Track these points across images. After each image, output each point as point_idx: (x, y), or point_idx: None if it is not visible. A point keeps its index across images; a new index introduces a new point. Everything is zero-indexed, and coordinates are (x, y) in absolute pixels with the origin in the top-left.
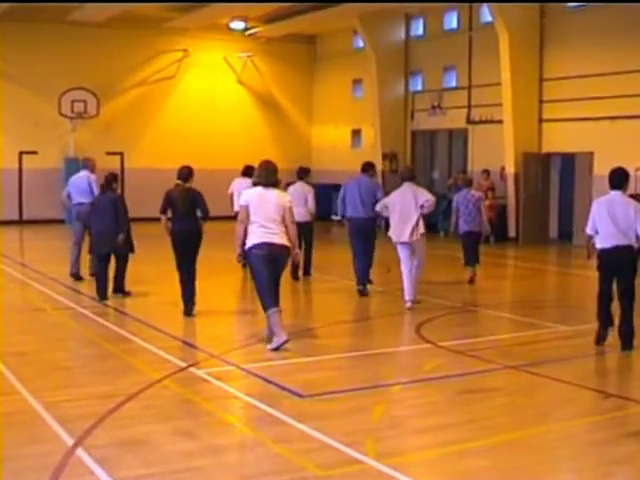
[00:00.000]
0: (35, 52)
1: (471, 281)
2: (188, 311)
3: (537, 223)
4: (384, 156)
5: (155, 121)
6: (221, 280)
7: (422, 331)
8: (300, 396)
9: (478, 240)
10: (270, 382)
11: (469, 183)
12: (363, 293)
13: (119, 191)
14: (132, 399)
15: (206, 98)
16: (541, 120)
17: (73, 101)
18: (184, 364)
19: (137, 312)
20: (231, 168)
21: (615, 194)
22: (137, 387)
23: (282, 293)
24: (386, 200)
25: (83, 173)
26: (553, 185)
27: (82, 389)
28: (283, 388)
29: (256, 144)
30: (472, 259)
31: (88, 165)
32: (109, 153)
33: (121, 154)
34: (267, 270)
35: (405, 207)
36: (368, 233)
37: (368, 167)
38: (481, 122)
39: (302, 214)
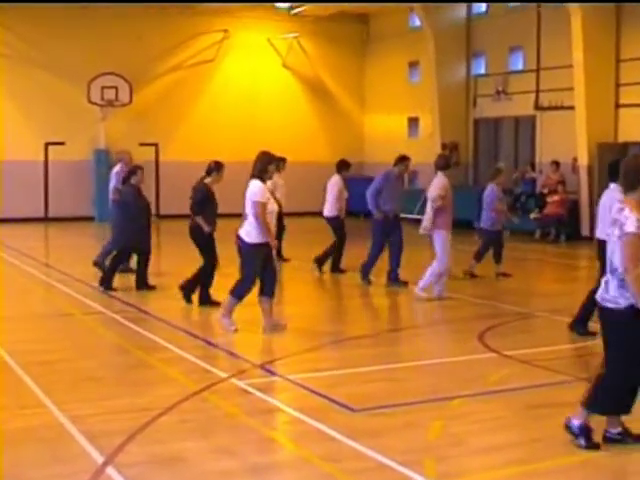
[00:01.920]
0: (61, 34)
1: (466, 273)
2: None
3: None
4: (444, 146)
5: (192, 109)
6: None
7: (486, 339)
8: (351, 410)
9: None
10: (318, 394)
11: (492, 175)
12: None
13: (142, 184)
14: (167, 413)
15: (248, 84)
16: (618, 106)
17: (103, 88)
18: (224, 375)
19: (173, 318)
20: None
21: None
22: (173, 399)
23: (321, 295)
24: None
25: (117, 167)
26: None
27: (113, 401)
28: (332, 401)
29: (302, 134)
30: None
31: (123, 159)
32: (143, 144)
33: (155, 145)
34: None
35: (429, 197)
36: (372, 225)
37: (398, 160)
38: (550, 108)
39: (328, 208)
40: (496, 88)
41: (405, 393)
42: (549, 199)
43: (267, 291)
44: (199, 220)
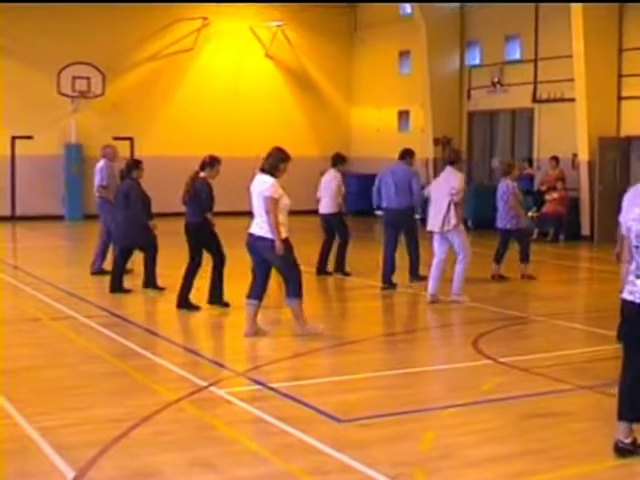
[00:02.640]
0: (29, 20)
1: (493, 277)
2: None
3: (615, 219)
4: (436, 141)
5: (170, 101)
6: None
7: (480, 344)
8: (338, 420)
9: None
10: (303, 404)
11: (505, 171)
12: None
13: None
14: (142, 424)
15: (229, 75)
16: (620, 98)
17: (75, 78)
18: (204, 383)
19: (149, 322)
20: (257, 156)
21: None
22: (148, 410)
23: (313, 296)
24: (430, 186)
25: (100, 163)
26: (634, 175)
27: (84, 412)
28: (318, 411)
29: (286, 128)
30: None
31: (107, 153)
32: (117, 138)
33: (131, 139)
34: (252, 261)
35: (437, 193)
36: (403, 225)
37: (405, 154)
38: (549, 101)
39: (328, 205)
40: (491, 79)
41: (395, 402)
42: (548, 197)
43: (258, 293)
44: (209, 216)
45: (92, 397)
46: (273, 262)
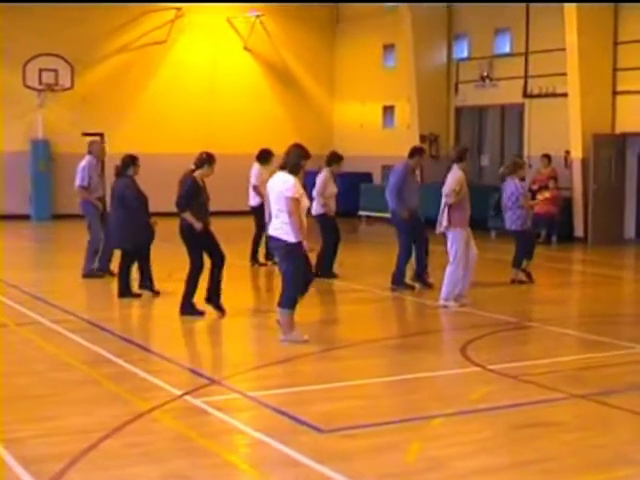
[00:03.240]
0: None
1: (513, 281)
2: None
3: (610, 220)
4: (422, 138)
5: (142, 96)
6: (230, 288)
7: (468, 351)
8: (319, 431)
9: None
10: (283, 413)
11: (512, 169)
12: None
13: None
14: (113, 435)
15: (204, 68)
16: (615, 92)
17: (41, 70)
18: (178, 392)
19: (121, 327)
20: (235, 153)
21: None
22: (119, 420)
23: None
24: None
25: (83, 160)
26: (630, 173)
27: (52, 422)
28: (299, 421)
29: (265, 124)
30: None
31: (93, 150)
32: (86, 134)
33: (101, 135)
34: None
35: (443, 193)
36: (397, 227)
37: (412, 153)
38: (541, 96)
39: (313, 206)
40: (480, 73)
41: (380, 412)
42: (539, 196)
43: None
44: (187, 216)
45: (60, 406)
46: (280, 266)
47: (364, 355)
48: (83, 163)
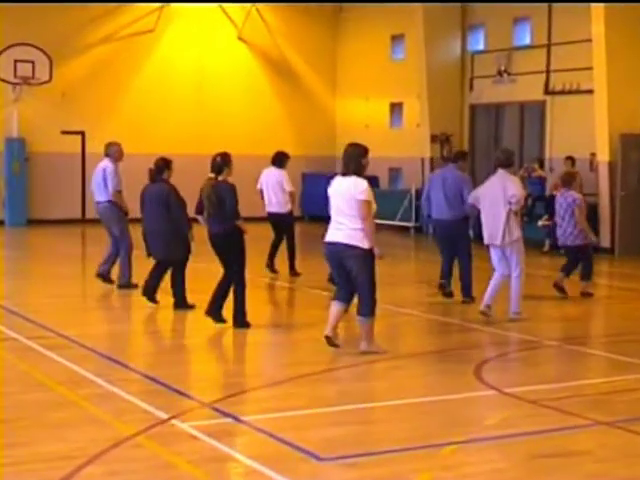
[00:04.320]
0: None
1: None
2: (238, 323)
3: (639, 229)
4: (433, 138)
5: (127, 91)
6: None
7: (482, 372)
8: (317, 458)
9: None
10: (279, 440)
11: (568, 181)
12: (466, 301)
13: (171, 180)
14: (94, 462)
15: (195, 60)
16: None
17: (17, 61)
18: (165, 415)
19: (103, 345)
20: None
21: None
22: (101, 446)
23: (297, 318)
24: (477, 191)
25: (103, 162)
26: None
27: (25, 448)
28: (295, 447)
29: (262, 122)
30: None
31: (109, 152)
32: (65, 132)
33: (82, 133)
34: (335, 272)
35: (494, 201)
36: (455, 238)
37: (457, 157)
38: (564, 92)
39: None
40: (497, 68)
41: (384, 439)
42: None
43: (346, 295)
44: (242, 224)
45: (34, 431)
46: (356, 274)
47: (367, 377)
48: (111, 167)
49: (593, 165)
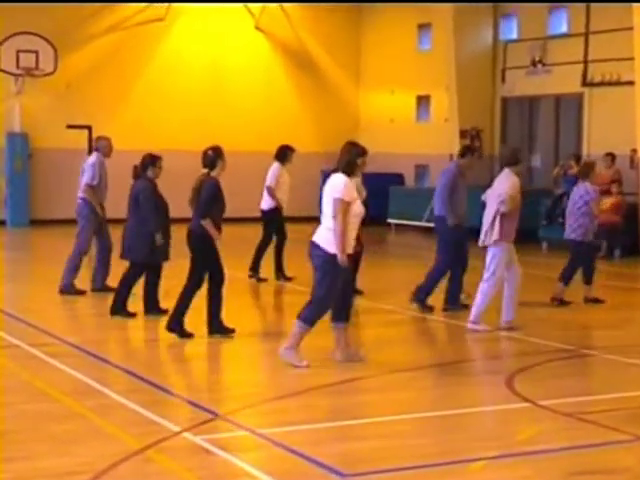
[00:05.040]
0: None
1: (554, 299)
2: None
3: None
4: (462, 134)
5: (137, 83)
6: (235, 306)
7: (515, 383)
8: (340, 475)
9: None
10: (297, 454)
11: (585, 173)
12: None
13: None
14: (100, 478)
15: (209, 51)
16: None
17: (19, 52)
18: (176, 428)
19: (110, 352)
20: (245, 150)
21: None
22: (107, 461)
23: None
24: (487, 191)
25: (92, 157)
26: None
27: (27, 463)
28: (316, 463)
29: (280, 117)
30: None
31: (98, 146)
32: (71, 126)
33: (88, 128)
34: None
35: (489, 201)
36: (440, 236)
37: (462, 152)
38: (603, 84)
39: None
40: (531, 58)
41: (409, 454)
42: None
43: (343, 315)
44: (207, 225)
45: (37, 444)
46: (315, 273)
47: (391, 387)
48: (93, 159)
49: (634, 162)
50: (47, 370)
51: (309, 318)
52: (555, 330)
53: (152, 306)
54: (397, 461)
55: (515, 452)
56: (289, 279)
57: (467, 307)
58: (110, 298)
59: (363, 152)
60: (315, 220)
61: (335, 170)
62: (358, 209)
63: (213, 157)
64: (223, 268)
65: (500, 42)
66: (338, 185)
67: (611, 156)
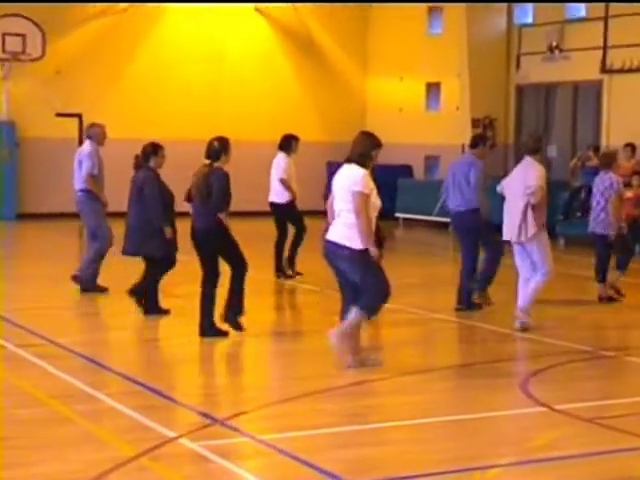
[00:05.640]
0: None
1: (600, 299)
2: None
3: None
4: (475, 123)
5: (130, 68)
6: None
7: (530, 387)
8: None
9: (609, 247)
10: (302, 461)
11: (608, 163)
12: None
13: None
14: None
15: (207, 35)
16: None
17: (5, 35)
18: (172, 433)
19: (103, 354)
20: (247, 140)
21: None
22: (100, 468)
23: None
24: (504, 180)
25: (86, 146)
26: None
27: (16, 470)
28: (319, 470)
29: (282, 104)
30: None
31: (91, 133)
32: (61, 115)
33: (79, 116)
34: (336, 277)
35: (512, 193)
36: (465, 231)
37: (475, 141)
38: (623, 71)
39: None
40: (548, 43)
41: (419, 460)
42: None
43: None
44: (224, 218)
45: (26, 451)
46: (352, 277)
47: (401, 390)
48: (89, 148)
49: None
50: (36, 373)
51: (369, 304)
52: (572, 330)
53: (152, 306)
54: (408, 468)
55: (531, 459)
56: (299, 274)
57: (480, 306)
58: (100, 298)
59: (378, 144)
60: (319, 214)
61: (348, 160)
62: (376, 201)
63: (218, 149)
64: (244, 259)
65: (515, 26)
66: (356, 177)
67: (632, 147)
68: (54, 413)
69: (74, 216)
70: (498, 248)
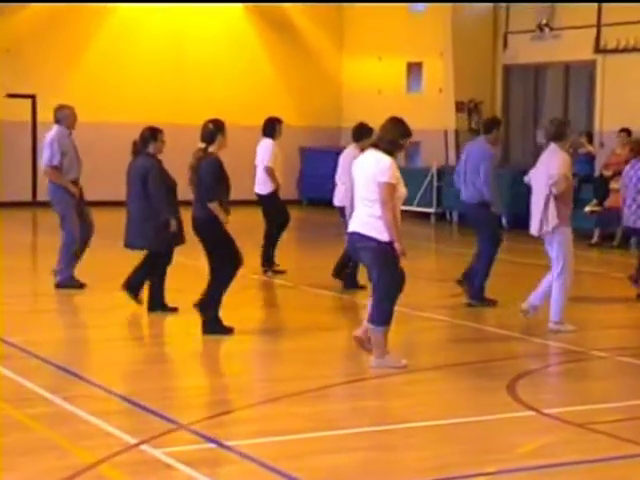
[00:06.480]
0: None
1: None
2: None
3: None
4: (459, 106)
5: (87, 46)
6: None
7: (518, 389)
8: None
9: None
10: (272, 470)
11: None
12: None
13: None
14: None
15: (171, 11)
16: None
17: None
18: (133, 440)
19: (62, 354)
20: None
21: None
22: (55, 476)
23: (301, 323)
24: (531, 171)
25: (51, 132)
26: None
27: None
28: (288, 478)
29: (253, 86)
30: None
31: (59, 116)
32: (12, 95)
33: (32, 97)
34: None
35: (538, 183)
36: (478, 224)
37: (489, 126)
38: (618, 51)
39: (342, 195)
40: (538, 21)
41: (400, 468)
42: (614, 185)
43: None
44: (214, 208)
45: None
46: (370, 270)
47: (380, 394)
48: (51, 135)
49: None
50: None
51: (382, 317)
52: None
53: (157, 302)
54: (386, 476)
55: (517, 467)
56: (282, 272)
57: (495, 303)
58: (74, 294)
59: (409, 133)
60: (294, 203)
61: (375, 146)
62: (402, 190)
63: (214, 131)
64: (239, 250)
65: (502, 3)
66: (382, 167)
67: (627, 132)
68: (5, 417)
69: (27, 205)
70: (493, 245)
